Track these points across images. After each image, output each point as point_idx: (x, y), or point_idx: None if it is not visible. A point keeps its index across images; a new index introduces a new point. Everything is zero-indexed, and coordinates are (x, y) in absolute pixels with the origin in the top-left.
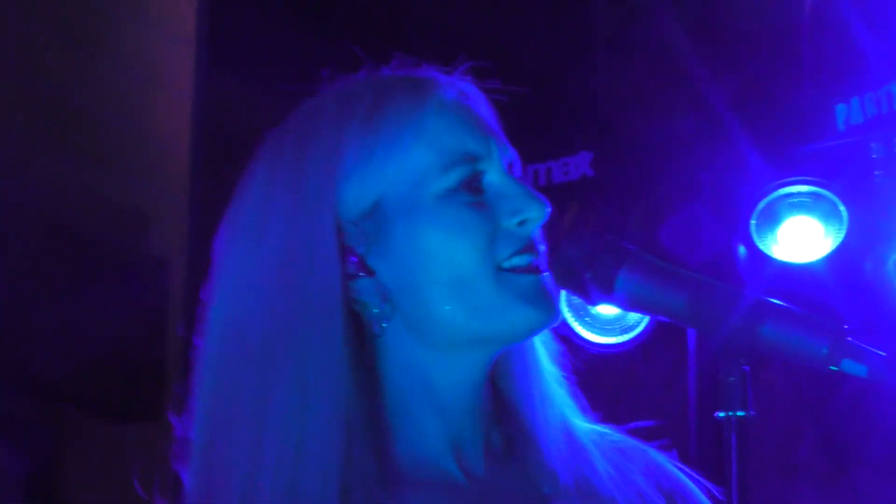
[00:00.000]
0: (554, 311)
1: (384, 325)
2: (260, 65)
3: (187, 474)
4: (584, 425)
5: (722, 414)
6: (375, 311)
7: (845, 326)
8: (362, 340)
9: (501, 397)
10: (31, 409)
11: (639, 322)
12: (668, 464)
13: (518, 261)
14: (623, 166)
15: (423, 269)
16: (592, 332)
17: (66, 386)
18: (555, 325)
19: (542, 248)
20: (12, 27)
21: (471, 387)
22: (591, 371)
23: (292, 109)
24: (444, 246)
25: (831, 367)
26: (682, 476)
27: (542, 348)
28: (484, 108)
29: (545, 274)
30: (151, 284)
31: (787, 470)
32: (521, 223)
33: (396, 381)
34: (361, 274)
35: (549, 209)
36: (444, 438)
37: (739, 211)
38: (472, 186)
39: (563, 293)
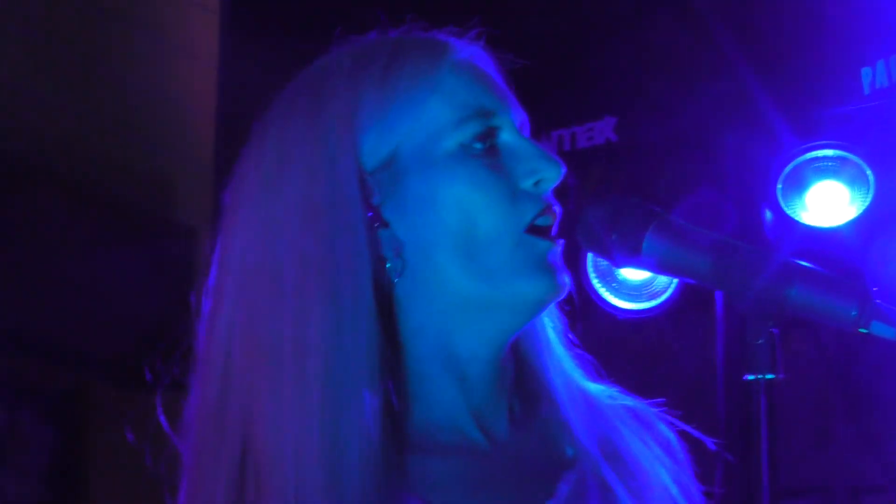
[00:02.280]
0: (563, 283)
1: (395, 279)
2: (286, 32)
3: (213, 430)
4: (596, 387)
5: (751, 377)
6: (389, 265)
7: (874, 289)
8: (383, 298)
9: (521, 365)
10: (56, 378)
11: (667, 287)
12: (666, 429)
13: (542, 221)
14: (647, 131)
15: (435, 225)
16: (620, 298)
17: (93, 355)
18: (562, 298)
19: (558, 210)
20: (40, 1)
21: (490, 358)
22: (620, 337)
23: (275, 109)
24: (459, 203)
25: (860, 330)
26: (674, 442)
27: (547, 316)
28: (495, 71)
29: (558, 243)
30: (178, 253)
31: (817, 437)
32: (537, 183)
33: (415, 346)
34: (377, 225)
35: (564, 170)
36: (463, 405)
37: (766, 175)
38: (487, 146)
39: (590, 258)
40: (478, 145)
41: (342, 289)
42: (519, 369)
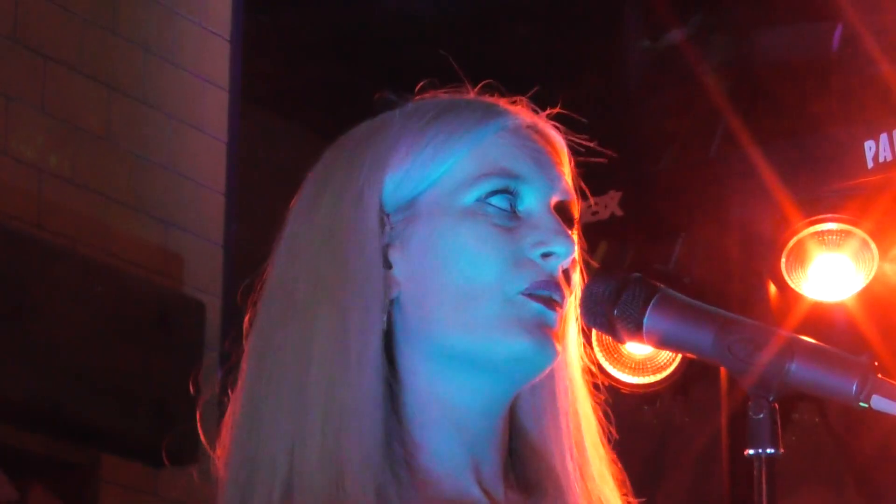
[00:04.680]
0: (547, 348)
1: (388, 318)
2: (296, 109)
3: (229, 441)
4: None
5: (752, 452)
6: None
7: (875, 363)
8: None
9: (525, 435)
10: (66, 452)
11: (671, 361)
12: None
13: (542, 292)
14: (652, 205)
15: (431, 271)
16: (624, 372)
17: (102, 429)
18: (546, 364)
19: (562, 290)
20: (52, 77)
21: (487, 412)
22: (625, 411)
23: (326, 152)
24: (459, 254)
25: (861, 405)
26: None
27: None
28: (556, 149)
29: (557, 312)
30: (187, 327)
31: None
32: (545, 256)
33: (413, 390)
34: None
35: (574, 248)
36: (463, 456)
37: (770, 249)
38: (506, 208)
39: (594, 332)
40: (494, 202)
41: (351, 309)
42: (521, 436)
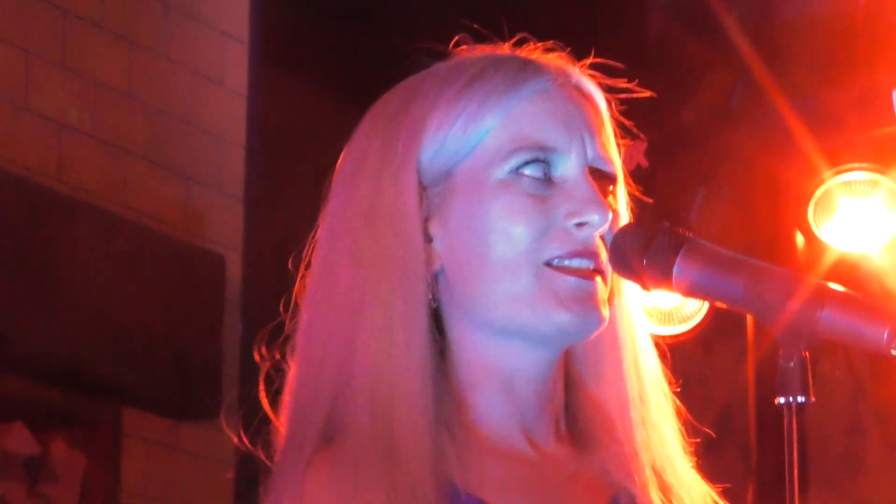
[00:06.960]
0: (590, 317)
1: (433, 293)
2: (314, 64)
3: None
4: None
5: (782, 400)
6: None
7: None
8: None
9: (584, 388)
10: (88, 406)
11: (698, 311)
12: None
13: (570, 263)
14: (678, 155)
15: (470, 246)
16: (651, 322)
17: (123, 382)
18: (592, 331)
19: (599, 256)
20: (73, 32)
21: (536, 375)
22: None
23: (344, 109)
24: (493, 229)
25: (893, 352)
26: None
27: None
28: (591, 105)
29: (596, 280)
30: (207, 280)
31: (851, 464)
32: (579, 226)
33: (463, 355)
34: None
35: (610, 216)
36: (513, 416)
37: (797, 199)
38: (541, 177)
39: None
40: (528, 172)
41: (395, 295)
42: (574, 388)
